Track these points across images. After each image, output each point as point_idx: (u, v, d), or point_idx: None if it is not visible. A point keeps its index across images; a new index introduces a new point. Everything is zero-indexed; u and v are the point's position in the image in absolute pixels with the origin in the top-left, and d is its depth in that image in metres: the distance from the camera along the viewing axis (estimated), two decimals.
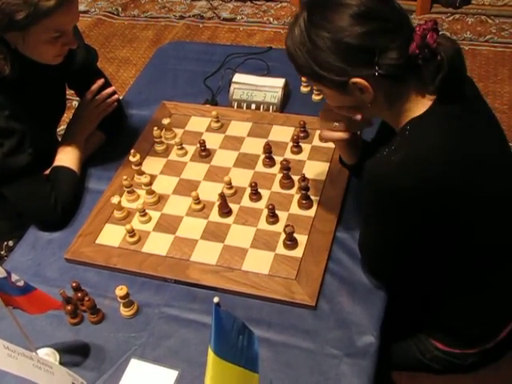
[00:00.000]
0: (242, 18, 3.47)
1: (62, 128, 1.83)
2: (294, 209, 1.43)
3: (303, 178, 1.39)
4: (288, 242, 1.33)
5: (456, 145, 1.08)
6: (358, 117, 1.16)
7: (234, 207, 1.44)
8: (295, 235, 1.33)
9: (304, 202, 1.42)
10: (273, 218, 1.39)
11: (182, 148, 1.60)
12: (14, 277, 1.03)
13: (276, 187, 1.48)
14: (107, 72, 2.92)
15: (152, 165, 1.58)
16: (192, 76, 1.89)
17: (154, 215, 1.46)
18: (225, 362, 0.89)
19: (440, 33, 1.06)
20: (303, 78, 1.71)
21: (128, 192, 1.50)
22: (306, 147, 1.57)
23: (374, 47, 1.03)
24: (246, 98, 1.73)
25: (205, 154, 1.59)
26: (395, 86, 1.08)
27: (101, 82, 1.63)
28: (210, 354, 0.87)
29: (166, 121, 1.64)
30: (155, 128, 1.61)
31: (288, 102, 1.75)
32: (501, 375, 1.33)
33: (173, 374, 1.17)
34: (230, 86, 1.76)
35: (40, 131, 1.49)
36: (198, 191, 1.45)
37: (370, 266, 1.28)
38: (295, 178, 1.46)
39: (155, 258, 1.36)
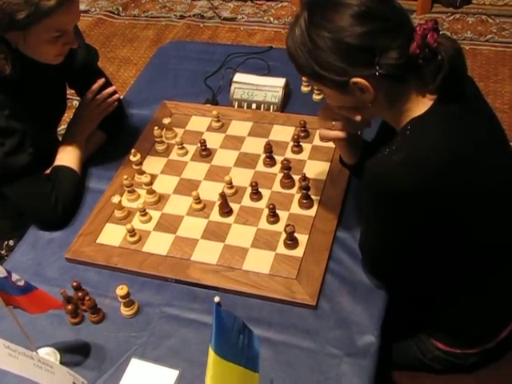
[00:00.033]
0: (243, 18, 3.47)
1: (62, 127, 1.83)
2: (295, 208, 1.43)
3: (304, 178, 1.39)
4: (288, 242, 1.33)
5: (457, 145, 1.08)
6: (358, 118, 1.16)
7: (235, 207, 1.44)
8: (296, 235, 1.33)
9: (304, 201, 1.42)
10: (273, 217, 1.39)
11: (183, 147, 1.60)
12: (15, 276, 1.03)
13: (276, 187, 1.48)
14: (108, 72, 2.91)
15: (152, 164, 1.58)
16: (192, 75, 1.89)
17: (155, 215, 1.46)
18: (225, 361, 0.89)
19: (440, 32, 1.06)
20: (304, 78, 1.71)
21: (128, 191, 1.50)
22: (306, 147, 1.57)
23: (374, 47, 1.03)
24: (247, 97, 1.73)
25: (205, 153, 1.59)
26: (396, 85, 1.08)
27: (101, 81, 1.63)
28: (211, 354, 0.87)
29: (166, 120, 1.64)
30: (156, 127, 1.61)
31: (289, 102, 1.75)
32: (502, 375, 1.33)
33: (173, 374, 1.17)
34: (230, 86, 1.76)
35: (41, 131, 1.49)
36: (199, 191, 1.45)
37: (370, 265, 1.28)
38: (296, 177, 1.46)
39: (156, 257, 1.36)
